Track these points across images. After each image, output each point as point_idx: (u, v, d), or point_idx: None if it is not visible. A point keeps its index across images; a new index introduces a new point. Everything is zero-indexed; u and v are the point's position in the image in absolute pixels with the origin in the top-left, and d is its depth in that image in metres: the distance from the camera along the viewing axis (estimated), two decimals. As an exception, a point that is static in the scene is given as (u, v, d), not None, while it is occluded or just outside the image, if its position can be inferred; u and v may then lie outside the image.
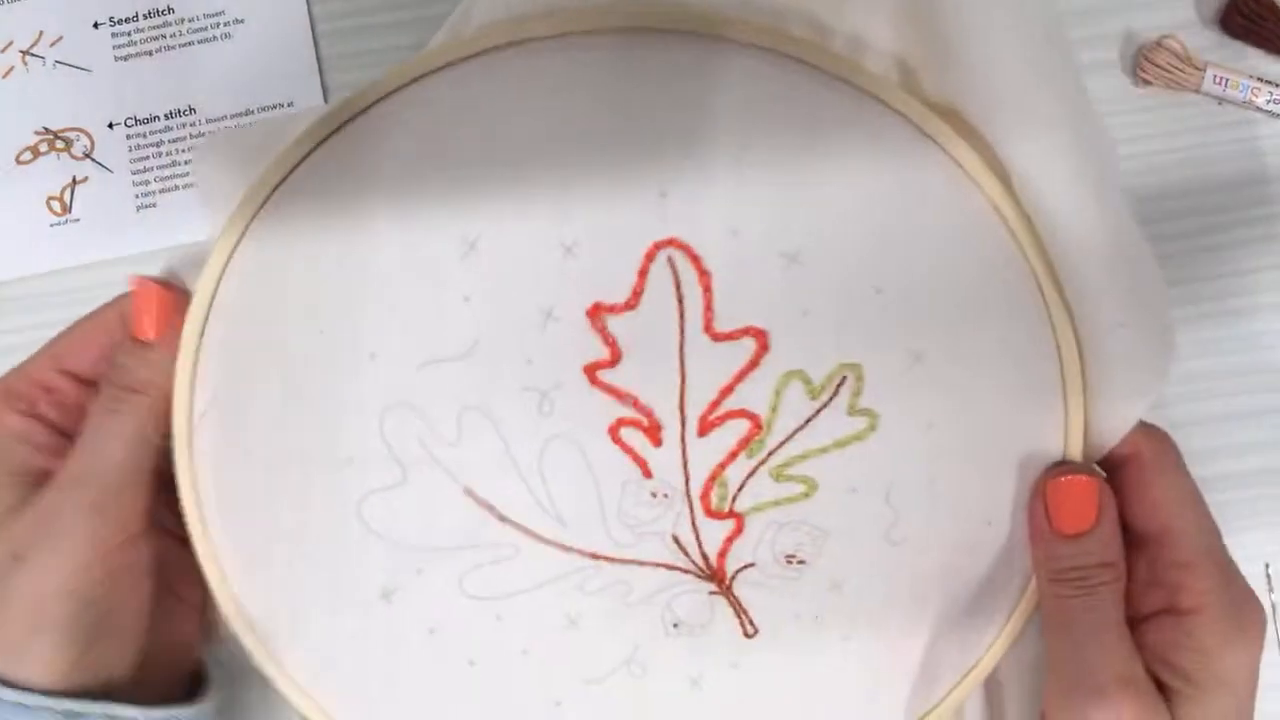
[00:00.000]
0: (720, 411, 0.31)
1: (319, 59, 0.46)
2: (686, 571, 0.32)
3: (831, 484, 0.31)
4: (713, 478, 0.31)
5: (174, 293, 0.32)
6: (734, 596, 0.32)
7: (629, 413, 0.31)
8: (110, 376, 0.32)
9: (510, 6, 0.30)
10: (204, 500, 0.32)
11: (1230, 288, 0.44)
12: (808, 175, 0.30)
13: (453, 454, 0.31)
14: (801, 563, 0.32)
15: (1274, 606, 0.43)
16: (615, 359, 0.31)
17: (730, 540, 0.32)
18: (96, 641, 0.31)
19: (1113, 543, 0.30)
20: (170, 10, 0.46)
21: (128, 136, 0.46)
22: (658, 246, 0.30)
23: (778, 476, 0.31)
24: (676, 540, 0.32)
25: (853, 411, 0.31)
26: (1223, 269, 0.44)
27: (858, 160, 0.30)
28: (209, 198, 0.32)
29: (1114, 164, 0.30)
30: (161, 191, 0.45)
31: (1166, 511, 0.30)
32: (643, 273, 0.30)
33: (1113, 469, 0.32)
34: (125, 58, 0.46)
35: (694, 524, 0.32)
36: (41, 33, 0.46)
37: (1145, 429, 0.31)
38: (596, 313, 0.30)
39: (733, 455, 0.31)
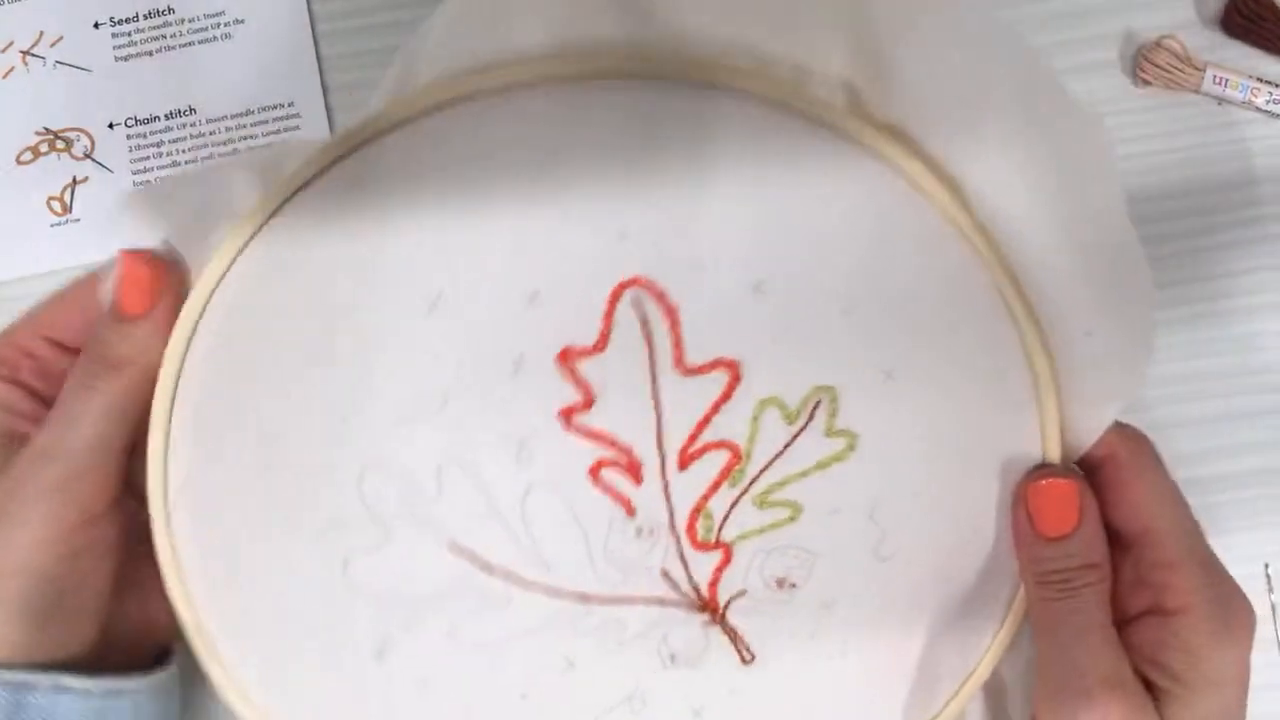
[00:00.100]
0: (699, 444, 0.31)
1: (319, 59, 0.46)
2: (679, 605, 0.32)
3: (816, 506, 0.32)
4: (697, 510, 0.32)
5: (163, 266, 0.31)
6: (728, 625, 0.32)
7: (607, 453, 0.31)
8: (88, 350, 0.31)
9: (455, 58, 0.30)
10: (186, 574, 0.32)
11: (1230, 288, 0.44)
12: (764, 205, 0.30)
13: (434, 510, 0.32)
14: (793, 586, 0.32)
15: (1274, 607, 0.43)
16: (589, 402, 0.31)
17: (720, 570, 0.32)
18: (52, 619, 0.30)
19: (1096, 544, 0.30)
20: (170, 10, 0.46)
21: (128, 137, 0.46)
22: (622, 287, 0.30)
23: (761, 503, 0.32)
24: (666, 574, 0.32)
25: (830, 433, 0.31)
26: (1222, 269, 0.44)
27: (812, 186, 0.30)
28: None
29: (1101, 152, 0.30)
30: (162, 191, 0.45)
31: (1147, 512, 0.30)
32: (608, 314, 0.30)
33: (1091, 471, 0.32)
34: (125, 58, 0.46)
35: (682, 557, 0.32)
36: (42, 33, 0.46)
37: (1121, 430, 0.32)
38: (566, 357, 0.31)
39: (715, 486, 0.32)
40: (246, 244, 0.31)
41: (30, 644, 0.30)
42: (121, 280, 0.31)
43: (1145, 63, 0.44)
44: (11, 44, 0.46)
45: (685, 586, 0.32)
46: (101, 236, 0.45)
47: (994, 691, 0.34)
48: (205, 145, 0.46)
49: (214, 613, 0.32)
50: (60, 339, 0.32)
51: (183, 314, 0.31)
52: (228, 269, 0.31)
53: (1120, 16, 0.44)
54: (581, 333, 0.31)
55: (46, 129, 0.46)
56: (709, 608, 0.32)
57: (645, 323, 0.31)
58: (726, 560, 0.32)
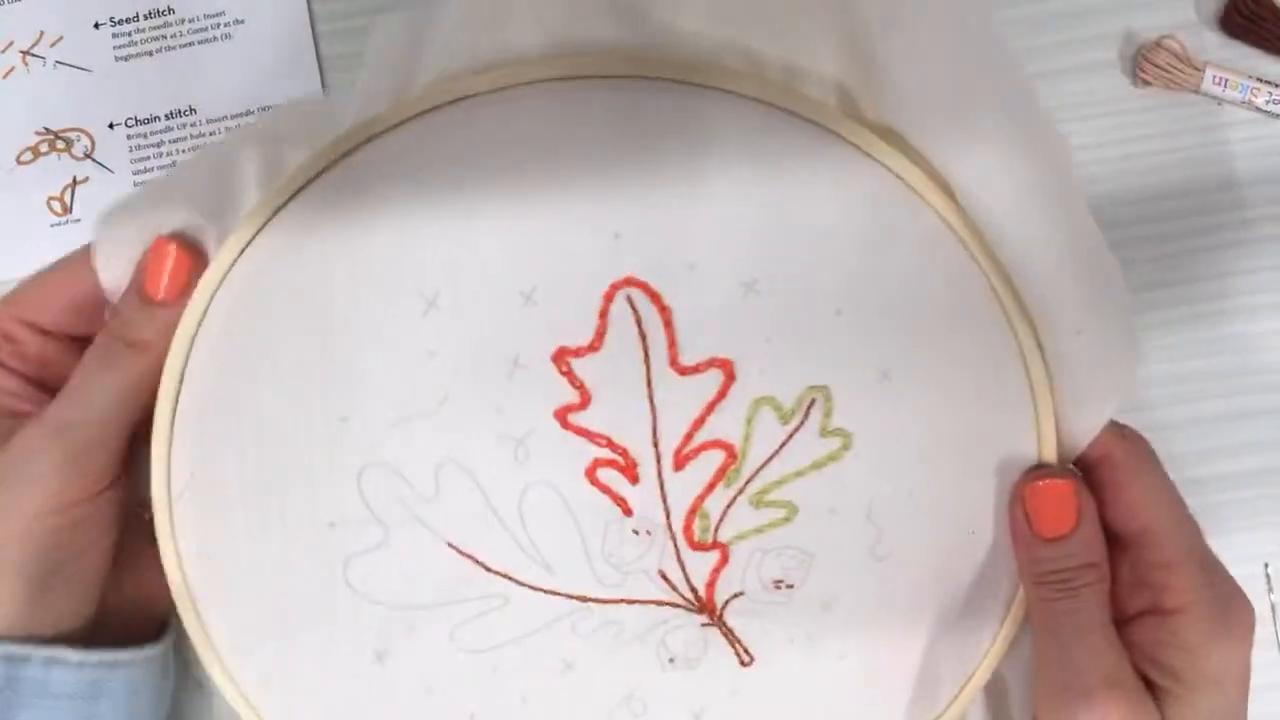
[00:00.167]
0: (694, 444, 0.31)
1: (319, 59, 0.46)
2: (676, 606, 0.32)
3: (811, 506, 0.31)
4: (693, 510, 0.32)
5: (191, 254, 0.31)
6: (726, 627, 0.32)
7: (604, 453, 0.31)
8: (111, 329, 0.31)
9: (454, 58, 0.30)
10: (190, 580, 0.32)
11: (1230, 288, 0.44)
12: (757, 205, 0.30)
13: (432, 509, 0.32)
14: (790, 587, 0.32)
15: (1274, 606, 0.43)
16: (585, 401, 0.31)
17: (717, 571, 0.32)
18: (50, 590, 0.30)
19: (1094, 544, 0.30)
20: (171, 10, 0.46)
21: (128, 137, 0.46)
22: (615, 287, 0.30)
23: (757, 503, 0.32)
24: (664, 575, 0.32)
25: (825, 433, 0.31)
26: (1222, 269, 0.44)
27: (805, 186, 0.30)
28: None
29: (1067, 170, 0.30)
30: (162, 191, 0.45)
31: (1144, 512, 0.30)
32: (603, 314, 0.30)
33: (1088, 471, 0.32)
34: (126, 58, 0.46)
35: (679, 558, 0.32)
36: (42, 33, 0.46)
37: (1117, 430, 0.32)
38: (561, 357, 0.31)
39: (710, 486, 0.31)
40: (249, 243, 0.31)
41: (27, 615, 0.30)
42: (153, 265, 0.31)
43: (1145, 63, 0.44)
44: (11, 44, 0.46)
45: (683, 587, 0.32)
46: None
47: (995, 692, 0.34)
48: (205, 145, 0.46)
49: (216, 614, 0.32)
50: (38, 322, 0.32)
51: (187, 311, 0.31)
52: (230, 268, 0.31)
53: (1120, 16, 0.44)
54: (577, 332, 0.31)
55: (46, 129, 0.46)
56: (706, 609, 0.32)
57: (639, 322, 0.31)
58: (723, 561, 0.32)
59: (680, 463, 0.31)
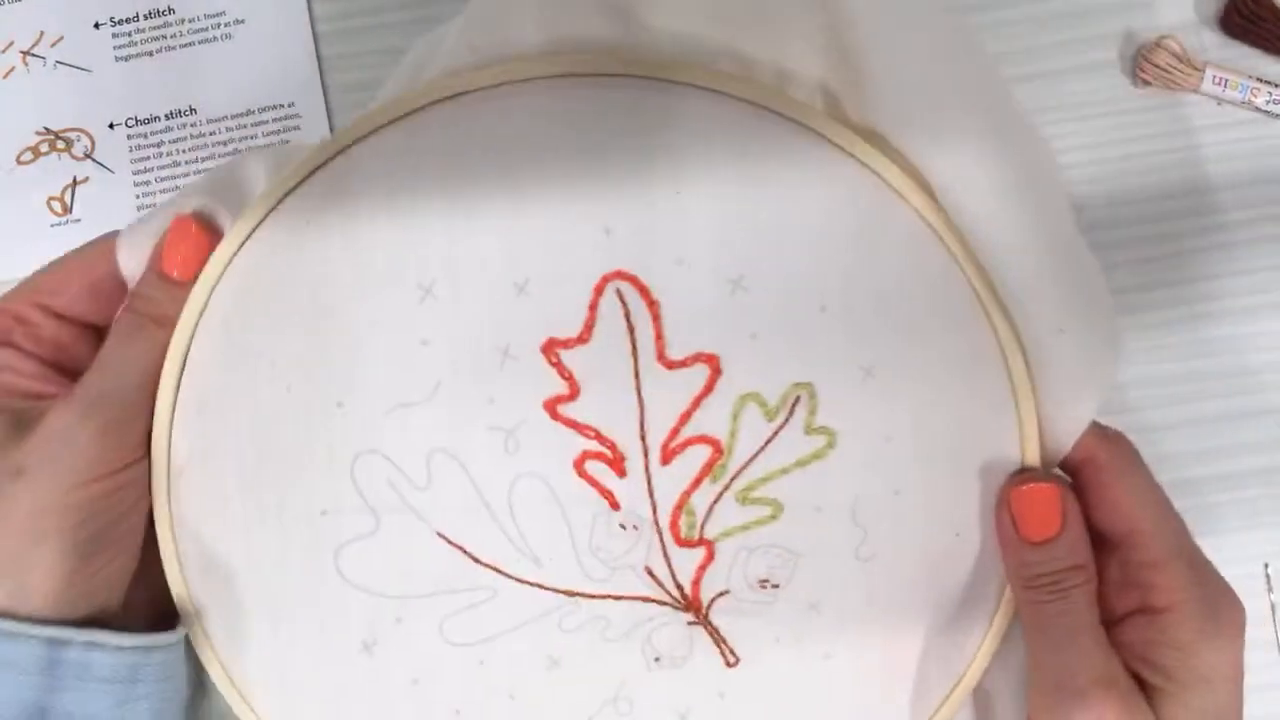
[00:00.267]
0: (681, 439, 0.31)
1: (319, 59, 0.46)
2: (663, 603, 0.32)
3: (797, 504, 0.32)
4: (679, 505, 0.32)
5: (210, 233, 0.32)
6: (712, 626, 0.32)
7: (592, 445, 0.31)
8: (135, 305, 0.32)
9: (455, 57, 0.31)
10: (186, 563, 0.33)
11: (1229, 288, 0.44)
12: (744, 203, 0.31)
13: (423, 498, 0.32)
14: (775, 586, 0.32)
15: (1274, 606, 0.43)
16: (574, 393, 0.31)
17: (702, 568, 0.32)
18: (96, 554, 0.31)
19: (1080, 545, 0.31)
20: (171, 11, 0.46)
21: (128, 137, 0.46)
22: (605, 280, 0.31)
23: (743, 500, 0.32)
24: (650, 572, 0.32)
25: (810, 430, 0.31)
26: (1221, 269, 0.44)
27: (792, 186, 0.31)
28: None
29: (1049, 172, 0.31)
30: (162, 192, 0.45)
31: (1130, 513, 0.31)
32: (593, 306, 0.31)
33: (1072, 473, 0.32)
34: (126, 58, 0.46)
35: (665, 554, 0.32)
36: (42, 33, 0.46)
37: (1100, 432, 0.32)
38: (550, 348, 0.31)
39: (697, 481, 0.32)
40: (250, 235, 0.32)
41: (66, 590, 0.31)
42: (173, 242, 0.32)
43: (1145, 63, 0.44)
44: (12, 44, 0.46)
45: (669, 584, 0.32)
46: (102, 236, 0.45)
47: (986, 695, 0.34)
48: (205, 145, 0.46)
49: (210, 599, 0.33)
50: (53, 306, 0.33)
51: (189, 301, 0.32)
52: (230, 260, 0.32)
53: (1120, 16, 0.44)
54: (567, 324, 0.31)
55: (47, 129, 0.46)
56: (692, 607, 0.32)
57: (628, 315, 0.31)
58: (709, 558, 0.32)
59: (667, 457, 0.31)
